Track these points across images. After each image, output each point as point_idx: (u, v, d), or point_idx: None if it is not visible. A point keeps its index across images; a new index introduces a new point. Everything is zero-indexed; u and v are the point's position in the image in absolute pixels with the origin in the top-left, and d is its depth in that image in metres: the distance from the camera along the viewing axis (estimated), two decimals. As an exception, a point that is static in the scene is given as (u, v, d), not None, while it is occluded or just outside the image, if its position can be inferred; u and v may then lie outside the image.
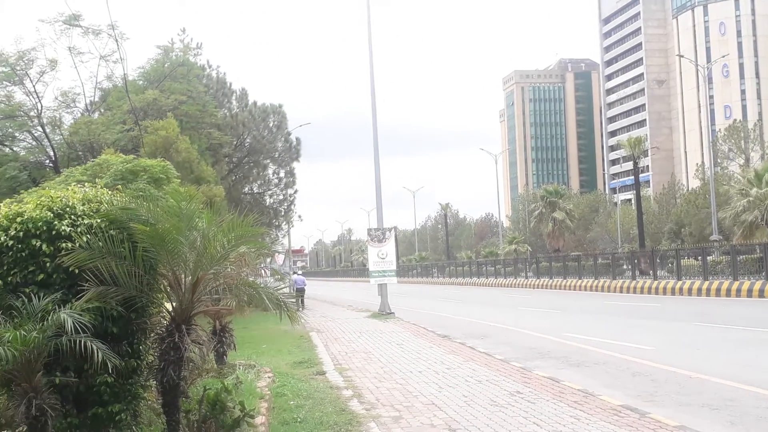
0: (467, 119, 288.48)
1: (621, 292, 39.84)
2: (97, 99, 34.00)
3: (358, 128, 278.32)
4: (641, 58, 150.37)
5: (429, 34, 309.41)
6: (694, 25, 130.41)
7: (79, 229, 6.71)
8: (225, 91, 40.73)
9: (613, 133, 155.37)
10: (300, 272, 50.90)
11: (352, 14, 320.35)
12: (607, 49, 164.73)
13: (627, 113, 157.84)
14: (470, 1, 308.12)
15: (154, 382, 7.39)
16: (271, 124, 41.84)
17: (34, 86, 30.23)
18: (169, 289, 7.46)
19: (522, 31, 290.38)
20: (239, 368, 12.23)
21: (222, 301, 8.35)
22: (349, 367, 14.19)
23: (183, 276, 7.41)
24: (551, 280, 50.78)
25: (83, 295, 6.53)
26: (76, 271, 6.58)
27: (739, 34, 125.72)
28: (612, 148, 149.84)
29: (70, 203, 7.00)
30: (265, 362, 14.26)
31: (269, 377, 12.22)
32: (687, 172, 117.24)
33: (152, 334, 7.37)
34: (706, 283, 34.00)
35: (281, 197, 43.90)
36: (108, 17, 39.99)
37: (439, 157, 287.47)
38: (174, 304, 7.41)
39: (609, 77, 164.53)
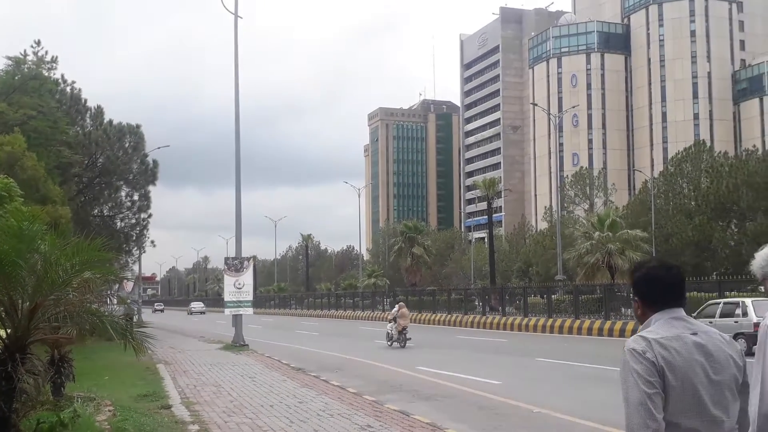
0: (336, 153, 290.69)
1: (472, 327, 41.03)
2: (-64, 108, 31.65)
3: (223, 156, 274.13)
4: (499, 104, 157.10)
5: (301, 66, 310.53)
6: (548, 76, 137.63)
7: None
8: (79, 107, 39.02)
9: (470, 174, 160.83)
10: (138, 300, 53.32)
11: (221, 47, 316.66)
12: (468, 93, 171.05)
13: (484, 155, 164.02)
14: (344, 37, 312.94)
15: (-19, 416, 6.87)
16: (126, 145, 40.44)
17: None
18: (3, 314, 7.02)
19: (391, 70, 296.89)
20: (78, 401, 11.55)
21: (62, 329, 7.91)
22: (197, 401, 13.74)
23: (20, 301, 6.99)
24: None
25: None
26: None
27: (589, 86, 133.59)
28: (469, 188, 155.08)
29: None
30: (106, 395, 13.55)
31: (110, 411, 11.62)
32: (536, 214, 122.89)
33: (-19, 363, 6.87)
34: (551, 320, 35.62)
35: (133, 221, 42.33)
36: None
37: (306, 188, 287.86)
38: (8, 330, 6.97)
39: (468, 120, 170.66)
